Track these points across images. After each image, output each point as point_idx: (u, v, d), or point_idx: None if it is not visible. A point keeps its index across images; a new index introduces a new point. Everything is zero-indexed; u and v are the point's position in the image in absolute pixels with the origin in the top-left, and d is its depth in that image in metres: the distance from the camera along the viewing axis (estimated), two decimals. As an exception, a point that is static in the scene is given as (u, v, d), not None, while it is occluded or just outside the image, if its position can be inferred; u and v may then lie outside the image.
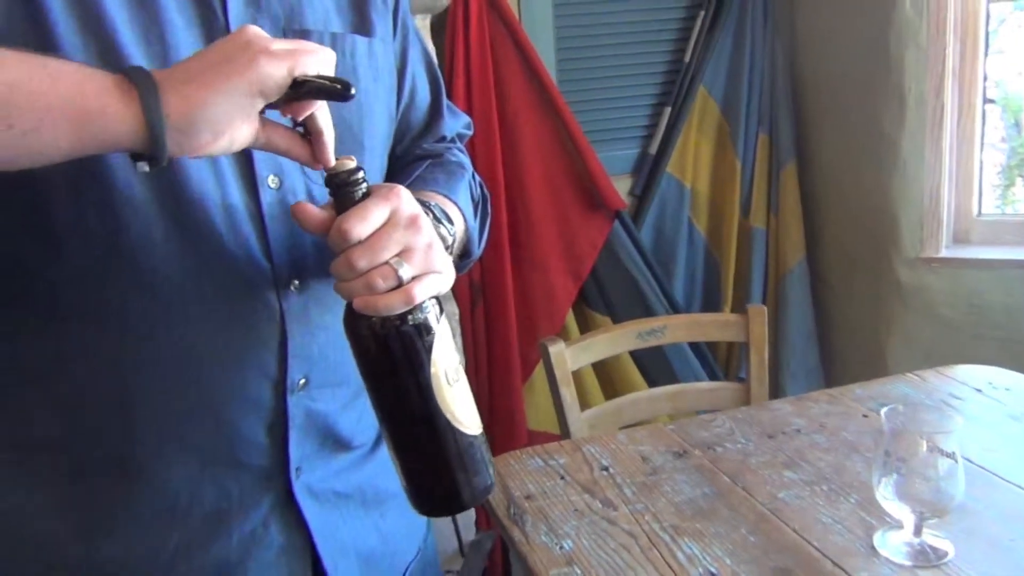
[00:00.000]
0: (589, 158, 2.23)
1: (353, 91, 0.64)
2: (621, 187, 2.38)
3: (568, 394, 1.61)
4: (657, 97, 2.47)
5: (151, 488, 0.75)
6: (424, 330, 0.69)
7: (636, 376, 2.29)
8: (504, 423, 2.20)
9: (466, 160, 1.00)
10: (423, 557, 0.98)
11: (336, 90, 0.64)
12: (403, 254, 0.68)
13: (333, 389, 0.83)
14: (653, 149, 2.44)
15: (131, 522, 0.75)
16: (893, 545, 1.01)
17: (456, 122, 1.02)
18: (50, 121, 0.57)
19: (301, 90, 0.63)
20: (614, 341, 1.69)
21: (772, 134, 2.46)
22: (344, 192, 0.68)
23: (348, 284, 0.68)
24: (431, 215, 0.76)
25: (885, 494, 0.99)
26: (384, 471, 0.91)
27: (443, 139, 0.98)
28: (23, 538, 0.75)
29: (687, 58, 2.42)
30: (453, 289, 2.17)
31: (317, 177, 0.78)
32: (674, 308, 2.35)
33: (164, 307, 0.71)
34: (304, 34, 0.79)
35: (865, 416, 1.37)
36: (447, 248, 0.77)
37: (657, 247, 2.45)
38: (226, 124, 0.62)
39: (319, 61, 0.65)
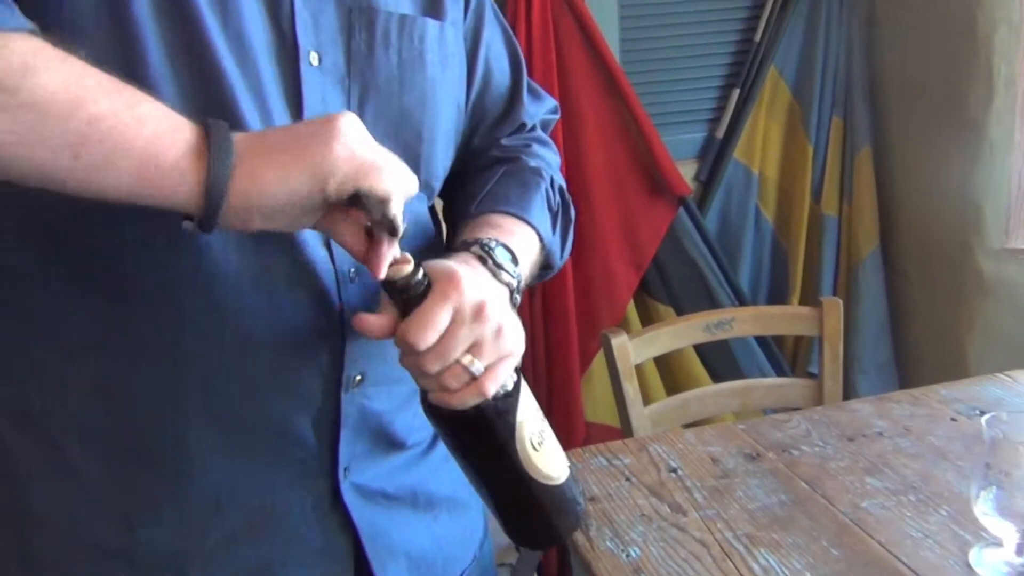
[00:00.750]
0: (653, 142, 2.17)
1: (399, 235, 0.63)
2: (686, 172, 2.32)
3: (631, 389, 1.56)
4: (725, 79, 2.39)
5: (193, 480, 0.73)
6: (504, 409, 0.69)
7: (699, 369, 2.23)
8: (562, 415, 2.16)
9: (548, 156, 0.93)
10: (479, 564, 0.95)
11: (383, 225, 0.62)
12: (472, 349, 0.66)
13: (390, 387, 0.80)
14: (720, 133, 2.37)
15: (171, 513, 0.74)
16: (991, 564, 0.93)
17: (539, 108, 0.96)
18: (118, 164, 0.55)
19: (356, 202, 0.61)
20: (680, 334, 1.64)
21: (847, 117, 2.37)
22: (404, 297, 0.66)
23: (423, 381, 0.68)
24: (490, 262, 0.73)
25: (985, 509, 0.92)
26: (438, 474, 0.88)
27: (523, 127, 0.93)
28: (60, 522, 0.73)
29: (757, 38, 2.33)
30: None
31: None
32: (740, 299, 2.29)
33: (221, 295, 0.69)
34: (372, 12, 0.75)
35: (953, 420, 1.28)
36: (513, 292, 0.74)
37: (723, 235, 2.39)
38: (281, 217, 0.60)
39: (398, 185, 0.62)
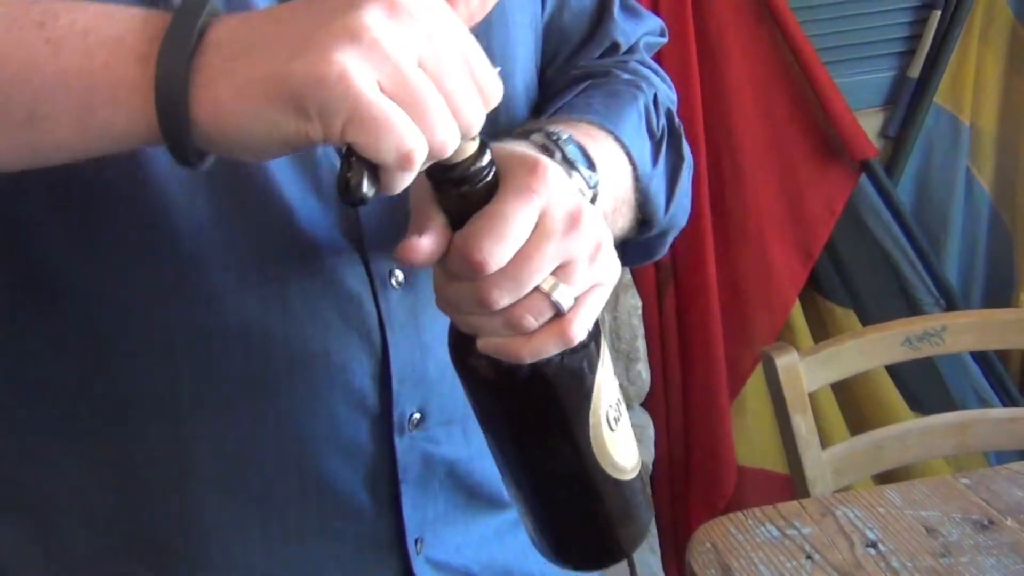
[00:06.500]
0: (823, 86, 2.14)
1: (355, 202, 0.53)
2: (869, 126, 2.29)
3: (804, 426, 1.55)
4: (921, -5, 2.36)
5: (216, 570, 0.76)
6: (584, 370, 0.64)
7: (894, 397, 2.21)
8: (705, 459, 2.17)
9: (652, 76, 0.91)
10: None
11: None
12: (559, 270, 0.60)
13: (463, 425, 0.80)
14: (915, 71, 2.33)
15: None
16: None
17: (637, 26, 0.93)
18: (45, 110, 0.52)
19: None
20: (871, 350, 1.61)
21: (1095, 44, 2.32)
22: (461, 191, 0.58)
23: (475, 320, 0.61)
24: (558, 155, 0.67)
25: None
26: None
27: (615, 48, 0.91)
28: None
29: (965, -62, 2.30)
30: (633, 273, 2.17)
31: None
32: (947, 298, 2.26)
33: (217, 321, 0.70)
34: None
35: None
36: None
37: (922, 210, 2.36)
38: (267, 155, 0.54)
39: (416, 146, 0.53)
